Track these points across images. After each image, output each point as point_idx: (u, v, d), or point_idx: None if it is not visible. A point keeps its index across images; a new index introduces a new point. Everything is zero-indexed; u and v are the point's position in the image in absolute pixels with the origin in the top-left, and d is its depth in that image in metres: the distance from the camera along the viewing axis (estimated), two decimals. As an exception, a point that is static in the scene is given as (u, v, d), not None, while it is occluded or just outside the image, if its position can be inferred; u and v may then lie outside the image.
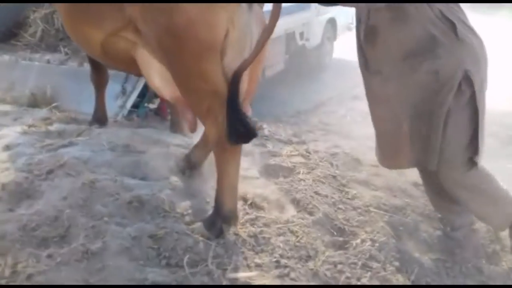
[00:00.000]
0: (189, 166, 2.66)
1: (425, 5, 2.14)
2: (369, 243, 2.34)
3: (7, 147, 2.75)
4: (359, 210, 2.65)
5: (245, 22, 1.97)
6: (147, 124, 3.60)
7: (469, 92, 2.17)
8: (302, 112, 5.15)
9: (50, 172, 2.46)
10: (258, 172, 2.90)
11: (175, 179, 2.56)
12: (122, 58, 2.31)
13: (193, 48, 1.92)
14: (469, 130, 2.22)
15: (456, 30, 2.13)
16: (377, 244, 2.33)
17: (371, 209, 2.65)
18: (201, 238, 2.13)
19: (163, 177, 2.56)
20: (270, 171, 2.95)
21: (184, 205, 2.36)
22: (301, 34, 6.78)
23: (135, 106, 3.79)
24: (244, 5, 1.96)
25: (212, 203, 2.27)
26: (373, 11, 2.20)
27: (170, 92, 2.24)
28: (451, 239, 2.53)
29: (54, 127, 3.15)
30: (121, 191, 2.35)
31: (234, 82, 1.96)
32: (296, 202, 2.61)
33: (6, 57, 4.49)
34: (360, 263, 2.16)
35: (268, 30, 1.95)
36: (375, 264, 2.17)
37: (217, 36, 1.92)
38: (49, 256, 1.90)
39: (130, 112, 3.68)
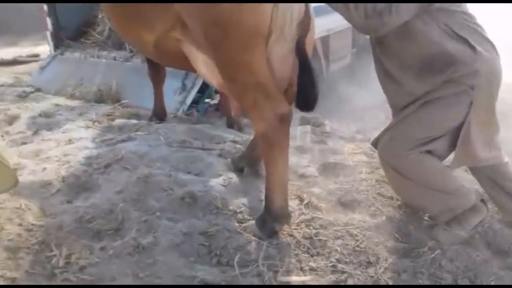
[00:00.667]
0: (245, 164, 2.57)
1: (432, 21, 2.06)
2: (438, 251, 2.11)
3: (70, 141, 2.84)
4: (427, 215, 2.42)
5: (286, 5, 1.88)
6: (207, 120, 3.59)
7: (469, 98, 2.05)
8: (368, 107, 4.88)
9: (107, 166, 2.49)
10: (317, 170, 2.76)
11: (229, 176, 2.49)
12: (174, 56, 2.28)
13: (240, 36, 1.84)
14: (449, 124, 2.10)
15: (471, 44, 2.03)
16: (448, 253, 2.10)
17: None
18: (253, 238, 2.04)
19: (218, 174, 2.50)
20: (329, 170, 2.80)
21: (237, 203, 2.28)
22: (369, 27, 6.49)
23: (195, 102, 3.79)
24: None
25: (266, 201, 2.17)
26: None
27: (217, 79, 2.16)
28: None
29: (116, 122, 3.21)
30: (174, 186, 2.32)
31: (299, 47, 1.94)
32: (357, 204, 2.44)
33: (76, 55, 4.72)
34: (427, 273, 1.95)
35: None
36: (445, 275, 1.96)
37: (263, 20, 1.84)
38: (102, 248, 1.90)
39: (190, 107, 3.69)
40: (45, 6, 4.76)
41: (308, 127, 3.39)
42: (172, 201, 2.24)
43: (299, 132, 3.30)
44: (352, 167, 2.81)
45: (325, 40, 5.30)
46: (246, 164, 2.58)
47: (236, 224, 2.14)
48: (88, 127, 3.08)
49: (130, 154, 2.60)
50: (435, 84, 2.08)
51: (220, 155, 2.68)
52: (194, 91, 3.69)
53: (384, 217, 2.31)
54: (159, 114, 3.35)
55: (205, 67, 2.16)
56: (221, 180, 2.44)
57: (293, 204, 2.37)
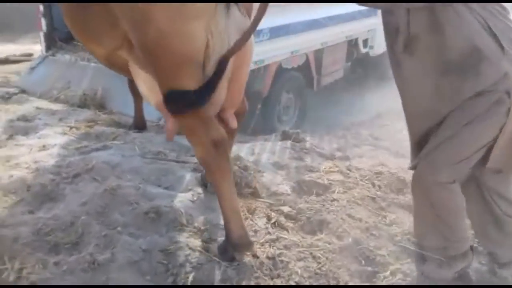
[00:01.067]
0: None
1: (466, 10, 1.88)
2: (400, 276, 2.11)
3: (44, 147, 2.82)
4: (396, 238, 2.40)
5: (223, 29, 1.80)
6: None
7: (505, 107, 1.89)
8: (355, 123, 4.85)
9: (76, 175, 2.47)
10: (290, 188, 2.73)
11: (199, 191, 2.46)
12: (126, 70, 2.28)
13: (170, 61, 1.77)
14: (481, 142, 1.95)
15: (500, 42, 1.87)
16: (409, 279, 2.10)
17: (410, 237, 2.39)
18: (214, 257, 2.01)
19: (187, 188, 2.48)
20: (303, 188, 2.77)
21: (202, 220, 2.26)
22: (365, 41, 6.48)
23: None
24: (221, 10, 1.79)
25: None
26: (414, 16, 1.97)
27: (155, 99, 2.14)
28: (497, 277, 2.21)
29: (94, 130, 3.19)
30: (141, 200, 2.30)
31: (218, 69, 1.82)
32: (325, 224, 2.41)
33: (67, 57, 4.71)
34: (386, 298, 1.94)
35: (247, 32, 1.80)
36: (403, 301, 1.94)
37: (195, 47, 1.76)
38: (56, 263, 1.87)
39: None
40: (41, 7, 4.76)
41: (288, 143, 3.36)
42: (137, 215, 2.21)
43: (278, 147, 3.27)
44: (326, 186, 2.78)
45: (318, 53, 5.29)
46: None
47: (199, 242, 2.11)
48: (65, 133, 3.06)
49: (102, 164, 2.57)
50: (466, 95, 1.92)
51: (194, 169, 2.65)
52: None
53: (350, 239, 2.29)
54: (139, 124, 3.33)
55: (144, 86, 2.18)
56: (189, 195, 2.42)
57: (260, 222, 2.35)
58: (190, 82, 1.79)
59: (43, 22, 4.91)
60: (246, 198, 2.50)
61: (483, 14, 1.88)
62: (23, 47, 8.17)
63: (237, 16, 1.89)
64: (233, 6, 1.87)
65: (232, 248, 2.00)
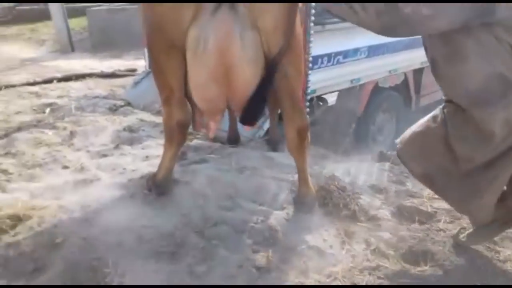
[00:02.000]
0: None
1: (491, 38, 1.73)
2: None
3: (146, 158, 2.94)
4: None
5: (204, 24, 1.92)
6: (282, 147, 3.52)
7: None
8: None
9: (176, 187, 2.52)
10: (390, 213, 2.57)
11: (293, 211, 2.40)
12: None
13: (160, 39, 2.08)
14: None
15: None
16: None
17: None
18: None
19: (282, 207, 2.42)
20: (404, 214, 2.59)
21: (297, 239, 2.18)
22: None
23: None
24: (210, 7, 1.91)
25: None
26: (428, 42, 1.90)
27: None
28: None
29: (193, 142, 3.28)
30: (236, 215, 2.29)
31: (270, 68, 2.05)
32: (429, 255, 2.22)
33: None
34: None
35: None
36: None
37: (178, 34, 1.97)
38: (156, 271, 1.91)
39: (266, 133, 3.66)
40: (144, 23, 5.06)
41: (386, 165, 3.20)
42: (232, 230, 2.20)
43: (376, 169, 3.11)
44: (430, 214, 2.58)
45: (417, 73, 5.06)
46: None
47: (294, 263, 2.04)
48: (165, 145, 3.16)
49: (200, 177, 2.62)
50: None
51: (290, 189, 2.60)
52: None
53: (459, 274, 2.08)
54: (232, 138, 3.37)
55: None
56: (284, 213, 2.36)
57: (358, 248, 2.22)
58: (173, 63, 2.12)
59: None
60: (343, 221, 2.39)
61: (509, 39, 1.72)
62: (127, 63, 8.81)
63: (226, 20, 1.94)
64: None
65: (152, 184, 2.44)
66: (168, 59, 2.11)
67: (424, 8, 1.69)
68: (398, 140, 2.30)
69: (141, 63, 8.26)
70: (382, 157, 3.40)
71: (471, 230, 2.29)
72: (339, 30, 3.78)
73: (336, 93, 4.40)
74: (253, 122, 2.32)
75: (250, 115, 2.19)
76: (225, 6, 1.89)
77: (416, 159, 2.19)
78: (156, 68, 2.29)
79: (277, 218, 2.30)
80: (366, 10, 1.76)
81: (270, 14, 1.98)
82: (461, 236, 2.29)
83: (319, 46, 3.64)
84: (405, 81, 4.93)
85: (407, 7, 1.70)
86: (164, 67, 2.17)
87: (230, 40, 1.92)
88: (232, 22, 1.91)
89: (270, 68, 2.07)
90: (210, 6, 1.90)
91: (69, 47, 10.99)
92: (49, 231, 2.08)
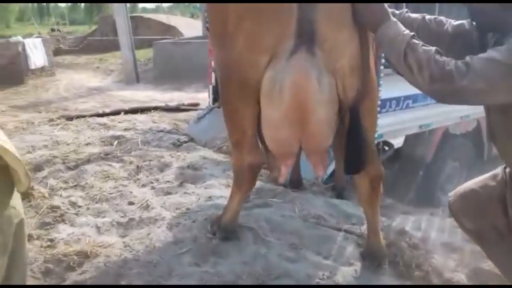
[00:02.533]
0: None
1: None
2: None
3: (210, 198, 2.92)
4: None
5: (281, 65, 1.91)
6: (347, 194, 3.40)
7: None
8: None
9: (239, 232, 2.46)
10: (466, 277, 2.36)
11: (361, 266, 2.26)
12: None
13: (234, 81, 2.07)
14: None
15: None
16: None
17: None
18: None
19: (349, 262, 2.29)
20: (481, 278, 2.38)
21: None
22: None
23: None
24: (287, 51, 1.89)
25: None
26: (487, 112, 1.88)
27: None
28: None
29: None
30: (301, 268, 2.18)
31: (353, 113, 2.04)
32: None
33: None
34: None
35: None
36: None
37: (252, 74, 1.97)
38: (218, 324, 1.84)
39: (330, 177, 3.56)
40: (213, 62, 5.18)
41: (460, 221, 2.98)
42: (297, 283, 2.10)
43: (448, 225, 2.91)
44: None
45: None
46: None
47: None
48: (229, 185, 3.14)
49: (263, 223, 2.55)
50: None
51: (357, 243, 2.47)
52: (333, 164, 3.57)
53: None
54: (294, 182, 3.29)
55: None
56: (351, 270, 2.23)
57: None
58: (245, 104, 2.12)
59: (213, 76, 5.32)
60: (415, 282, 2.22)
61: None
62: (188, 95, 9.09)
63: (302, 64, 1.91)
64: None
65: (217, 227, 2.41)
66: (241, 101, 2.09)
67: (480, 81, 1.60)
68: (451, 194, 2.24)
69: (201, 96, 8.54)
70: (454, 213, 3.18)
71: None
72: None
73: (403, 137, 4.25)
74: (357, 171, 2.19)
75: (351, 163, 2.14)
76: (302, 48, 1.88)
77: (469, 215, 2.13)
78: (228, 110, 2.25)
79: (344, 275, 2.17)
80: (421, 72, 1.68)
81: (347, 56, 1.96)
82: None
83: (388, 89, 3.55)
84: (478, 128, 4.68)
85: (464, 80, 1.61)
86: (237, 109, 2.15)
87: (307, 81, 1.91)
88: (309, 64, 1.90)
89: (353, 113, 2.05)
90: (287, 48, 1.89)
91: (135, 77, 11.50)
92: (115, 271, 2.08)
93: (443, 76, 1.64)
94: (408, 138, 4.26)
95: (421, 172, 4.22)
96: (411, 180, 4.13)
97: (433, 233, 2.81)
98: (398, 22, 1.81)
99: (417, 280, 2.25)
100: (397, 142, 4.28)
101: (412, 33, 1.75)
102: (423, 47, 1.70)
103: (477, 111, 4.51)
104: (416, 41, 1.72)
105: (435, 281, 2.28)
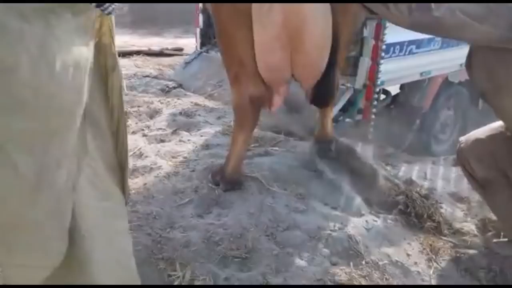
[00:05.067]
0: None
1: None
2: None
3: (207, 147, 2.75)
4: None
5: None
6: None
7: None
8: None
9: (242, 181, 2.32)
10: (476, 227, 2.31)
11: (373, 219, 2.16)
12: None
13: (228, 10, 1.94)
14: None
15: None
16: None
17: None
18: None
19: (359, 213, 2.19)
20: (489, 228, 2.32)
21: (380, 253, 1.95)
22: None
23: (335, 120, 3.51)
24: None
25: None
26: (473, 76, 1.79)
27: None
28: None
29: (254, 132, 3.06)
30: (310, 220, 2.07)
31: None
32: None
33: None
34: None
35: None
36: None
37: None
38: (227, 279, 1.73)
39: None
40: (200, 4, 4.84)
41: (466, 171, 2.91)
42: (307, 236, 1.98)
43: (453, 174, 2.84)
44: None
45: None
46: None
47: (377, 279, 1.82)
48: (225, 133, 2.97)
49: (266, 172, 2.41)
50: None
51: (362, 189, 2.36)
52: (335, 109, 3.41)
53: None
54: None
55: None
56: (363, 221, 2.13)
57: (446, 267, 1.98)
58: (242, 35, 1.96)
59: (201, 18, 5.00)
60: (427, 234, 2.14)
61: None
62: (168, 41, 8.69)
63: None
64: None
65: (223, 181, 2.23)
66: (235, 28, 1.93)
67: (457, 13, 1.56)
68: (463, 139, 2.17)
69: (182, 42, 8.17)
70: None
71: None
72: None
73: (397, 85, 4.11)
74: (325, 103, 2.29)
75: (322, 94, 2.17)
76: None
77: (482, 161, 2.06)
78: (223, 41, 2.11)
79: (356, 226, 2.07)
80: (398, 7, 1.63)
81: None
82: None
83: (393, 33, 3.35)
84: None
85: (441, 9, 1.57)
86: (232, 38, 1.99)
87: None
88: None
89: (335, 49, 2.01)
90: None
91: (110, 20, 10.94)
92: (112, 225, 1.92)
93: (419, 6, 1.61)
94: (405, 86, 4.11)
95: (419, 120, 4.11)
96: (409, 128, 4.03)
97: (439, 183, 2.73)
98: None
99: (428, 230, 2.18)
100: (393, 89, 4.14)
101: None
102: None
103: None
104: None
105: (446, 232, 2.22)
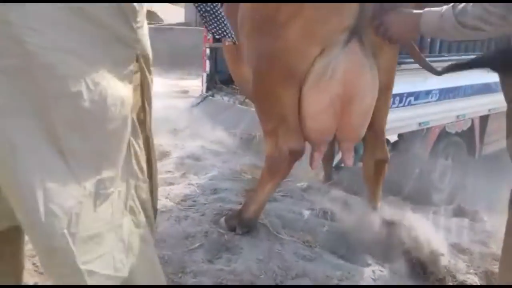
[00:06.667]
0: None
1: None
2: None
3: (215, 191, 2.82)
4: None
5: (335, 54, 1.94)
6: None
7: None
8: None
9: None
10: (478, 279, 2.35)
11: (380, 269, 2.21)
12: None
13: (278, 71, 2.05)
14: None
15: None
16: None
17: None
18: None
19: (366, 263, 2.24)
20: (492, 280, 2.37)
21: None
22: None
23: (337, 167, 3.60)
24: (341, 41, 1.93)
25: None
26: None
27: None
28: None
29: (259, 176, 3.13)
30: (318, 269, 2.12)
31: None
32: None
33: (225, 99, 4.88)
34: None
35: None
36: None
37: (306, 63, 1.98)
38: (237, 326, 1.76)
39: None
40: (207, 50, 5.04)
41: (466, 221, 2.98)
42: (316, 283, 2.03)
43: (454, 225, 2.90)
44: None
45: (484, 120, 4.84)
46: None
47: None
48: (234, 177, 3.05)
49: (274, 218, 2.47)
50: None
51: (369, 239, 2.42)
52: (337, 158, 3.51)
53: None
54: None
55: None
56: (369, 271, 2.18)
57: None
58: (289, 92, 2.10)
59: (207, 64, 5.19)
60: (432, 283, 2.19)
61: None
62: (171, 82, 8.89)
63: (356, 53, 1.96)
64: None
65: (239, 224, 2.29)
66: (285, 89, 2.05)
67: None
68: None
69: (185, 84, 8.38)
70: (459, 212, 3.19)
71: None
72: (414, 70, 3.63)
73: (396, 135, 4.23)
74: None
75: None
76: (354, 39, 1.93)
77: None
78: (265, 98, 2.19)
79: (363, 276, 2.12)
80: (489, 21, 1.51)
81: (385, 51, 2.06)
82: None
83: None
84: (472, 128, 4.71)
85: None
86: (278, 97, 2.09)
87: (362, 70, 1.98)
88: (362, 54, 1.96)
89: None
90: (342, 39, 1.92)
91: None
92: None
93: (507, 6, 1.46)
94: (404, 136, 4.24)
95: (418, 169, 4.21)
96: (408, 176, 4.12)
97: (441, 233, 2.79)
98: (424, 9, 1.78)
99: (433, 281, 2.22)
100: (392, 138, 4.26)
101: (448, 5, 1.68)
102: (467, 5, 1.58)
103: (472, 111, 4.55)
104: (457, 5, 1.63)
105: (450, 283, 2.26)
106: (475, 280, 2.34)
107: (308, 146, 2.32)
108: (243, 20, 2.16)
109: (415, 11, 1.83)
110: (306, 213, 2.62)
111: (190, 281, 1.95)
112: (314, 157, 2.29)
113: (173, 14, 17.23)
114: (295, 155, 2.17)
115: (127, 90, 1.07)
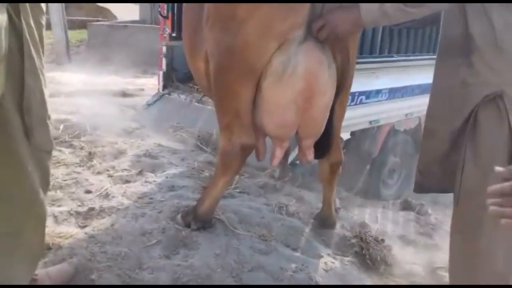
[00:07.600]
0: None
1: None
2: None
3: (172, 188, 2.84)
4: None
5: (293, 53, 1.98)
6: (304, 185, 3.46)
7: None
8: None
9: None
10: (423, 270, 2.51)
11: (331, 261, 2.31)
12: None
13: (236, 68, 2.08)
14: None
15: None
16: None
17: None
18: None
19: (318, 254, 2.34)
20: (436, 271, 2.53)
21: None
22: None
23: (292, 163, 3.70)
24: (297, 38, 1.97)
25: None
26: None
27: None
28: None
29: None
30: (273, 263, 2.19)
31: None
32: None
33: (182, 97, 4.87)
34: None
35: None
36: None
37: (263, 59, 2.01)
38: (196, 319, 1.80)
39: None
40: (164, 48, 5.01)
41: (412, 215, 3.16)
42: (270, 277, 2.10)
43: (401, 218, 3.07)
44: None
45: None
46: None
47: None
48: (191, 175, 3.08)
49: (231, 214, 2.53)
50: None
51: (322, 233, 2.52)
52: (292, 155, 3.61)
53: None
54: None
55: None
56: (321, 263, 2.28)
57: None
58: (246, 89, 2.12)
59: (164, 61, 5.16)
60: (381, 276, 2.32)
61: None
62: (125, 80, 8.72)
63: (312, 49, 2.01)
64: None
65: (193, 219, 2.34)
66: (242, 85, 2.09)
67: None
68: None
69: (140, 82, 8.26)
70: (406, 206, 3.36)
71: None
72: (365, 70, 3.79)
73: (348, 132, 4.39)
74: (322, 156, 2.48)
75: (319, 149, 2.39)
76: (311, 37, 1.98)
77: None
78: (223, 94, 2.21)
79: (315, 268, 2.21)
80: None
81: (345, 49, 2.14)
82: None
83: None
84: (419, 126, 4.95)
85: None
86: (235, 93, 2.12)
87: (320, 68, 2.03)
88: (320, 52, 2.02)
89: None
90: (298, 36, 1.98)
91: (67, 58, 10.84)
92: (83, 265, 1.95)
93: None
94: (355, 133, 4.40)
95: (368, 166, 4.39)
96: (360, 173, 4.29)
97: (389, 226, 2.95)
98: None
99: (382, 272, 2.35)
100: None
101: None
102: None
103: (420, 110, 4.78)
104: None
105: (397, 273, 2.40)
106: (420, 270, 2.49)
107: (268, 143, 2.39)
108: (207, 15, 2.18)
109: (352, 4, 1.88)
110: (262, 208, 2.69)
111: (147, 277, 1.97)
112: (276, 153, 2.34)
113: (127, 11, 16.87)
114: (247, 150, 2.22)
115: None
